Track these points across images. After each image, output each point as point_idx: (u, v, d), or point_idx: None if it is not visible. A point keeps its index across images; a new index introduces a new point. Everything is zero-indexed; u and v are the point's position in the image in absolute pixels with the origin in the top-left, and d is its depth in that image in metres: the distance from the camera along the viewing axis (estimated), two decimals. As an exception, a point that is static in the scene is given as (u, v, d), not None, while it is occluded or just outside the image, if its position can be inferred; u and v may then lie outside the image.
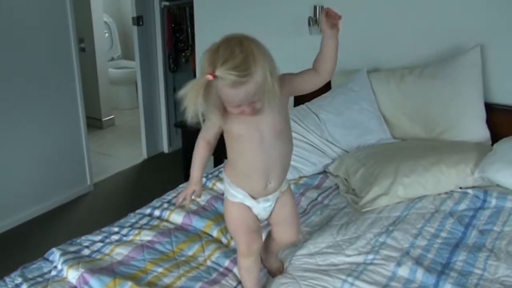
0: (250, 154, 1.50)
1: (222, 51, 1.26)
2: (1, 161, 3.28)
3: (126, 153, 4.74)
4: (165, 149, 4.76)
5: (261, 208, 1.61)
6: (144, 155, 4.64)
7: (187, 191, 1.62)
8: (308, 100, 2.75)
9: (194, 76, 3.92)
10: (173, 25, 4.48)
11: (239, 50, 1.25)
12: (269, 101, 1.32)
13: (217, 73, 1.24)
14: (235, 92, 1.28)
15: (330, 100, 2.66)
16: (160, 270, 1.75)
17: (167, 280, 1.70)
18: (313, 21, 2.94)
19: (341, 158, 2.45)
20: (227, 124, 1.45)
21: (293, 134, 2.52)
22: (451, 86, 2.50)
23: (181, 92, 1.26)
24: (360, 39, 2.88)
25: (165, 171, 4.34)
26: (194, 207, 2.17)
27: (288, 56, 3.13)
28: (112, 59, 6.04)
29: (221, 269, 1.78)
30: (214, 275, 1.74)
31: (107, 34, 5.79)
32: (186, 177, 3.30)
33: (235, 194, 1.58)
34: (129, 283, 1.65)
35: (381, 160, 2.28)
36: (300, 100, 2.91)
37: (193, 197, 1.64)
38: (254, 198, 1.58)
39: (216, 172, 2.53)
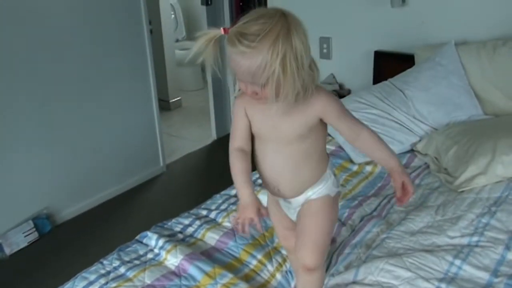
0: (259, 153, 1.39)
1: (252, 15, 1.14)
2: (82, 144, 3.35)
3: (195, 134, 4.76)
4: (234, 129, 4.74)
5: (285, 208, 1.49)
6: (213, 135, 4.64)
7: (243, 219, 1.30)
8: (391, 76, 2.64)
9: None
10: (241, 3, 4.44)
11: (264, 21, 1.10)
12: (277, 96, 1.16)
13: (230, 30, 1.15)
14: (236, 62, 1.15)
15: (415, 75, 2.54)
16: (254, 262, 1.71)
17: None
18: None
19: (430, 136, 2.35)
20: (249, 109, 1.36)
21: (379, 112, 2.47)
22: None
23: (196, 36, 1.19)
24: (445, 9, 2.73)
25: (236, 152, 4.33)
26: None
27: (363, 27, 3.02)
28: (177, 40, 6.07)
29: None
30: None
31: (173, 16, 5.81)
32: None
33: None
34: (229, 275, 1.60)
35: (476, 137, 2.15)
36: (381, 77, 2.81)
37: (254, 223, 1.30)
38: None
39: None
